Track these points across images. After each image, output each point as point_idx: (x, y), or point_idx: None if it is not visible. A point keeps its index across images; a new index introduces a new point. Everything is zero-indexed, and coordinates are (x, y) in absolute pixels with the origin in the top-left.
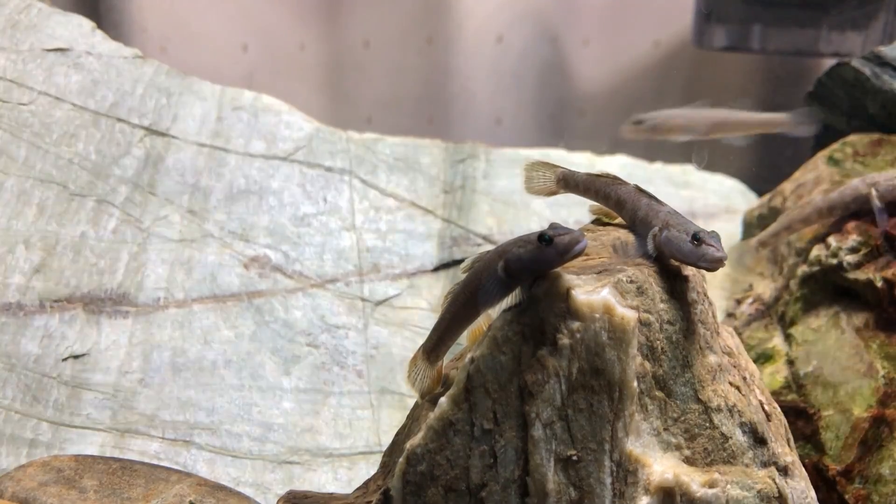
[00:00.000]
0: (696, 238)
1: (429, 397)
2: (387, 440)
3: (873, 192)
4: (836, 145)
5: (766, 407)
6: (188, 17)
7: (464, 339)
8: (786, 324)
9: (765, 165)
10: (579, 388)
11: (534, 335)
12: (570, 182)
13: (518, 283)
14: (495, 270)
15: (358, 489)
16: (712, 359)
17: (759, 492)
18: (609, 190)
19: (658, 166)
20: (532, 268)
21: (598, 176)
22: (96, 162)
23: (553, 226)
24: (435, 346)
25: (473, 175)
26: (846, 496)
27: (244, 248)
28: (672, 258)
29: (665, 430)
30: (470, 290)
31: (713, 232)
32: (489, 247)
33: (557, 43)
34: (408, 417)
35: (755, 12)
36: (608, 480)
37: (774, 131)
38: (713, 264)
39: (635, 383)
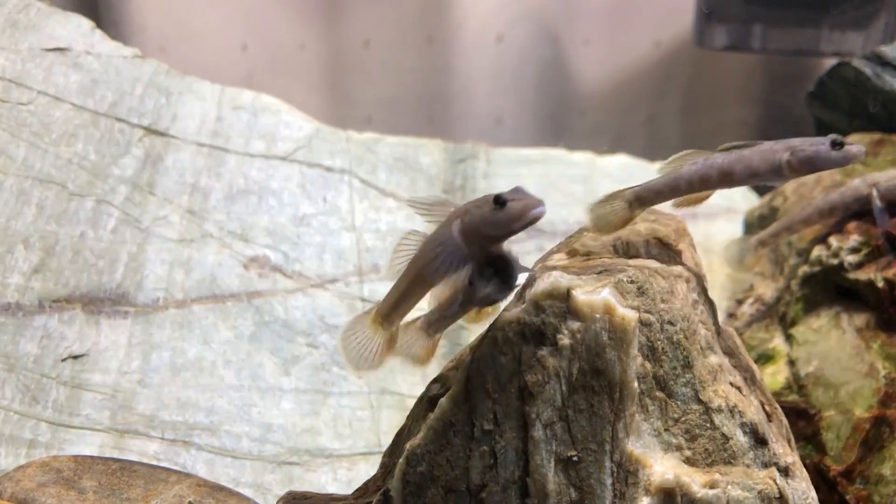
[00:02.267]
0: (835, 143)
1: (429, 398)
2: (387, 441)
3: (874, 193)
4: None
5: (767, 407)
6: (187, 16)
7: (457, 332)
8: (787, 324)
9: None
10: (580, 389)
11: (534, 335)
12: (646, 197)
13: (473, 248)
14: (450, 230)
15: (358, 490)
16: (713, 359)
17: (759, 492)
18: (701, 173)
19: (659, 166)
20: (485, 232)
21: (671, 169)
22: (95, 162)
23: (515, 189)
24: (391, 309)
25: (473, 175)
26: (847, 497)
27: (244, 248)
28: (815, 171)
29: (666, 430)
30: (428, 252)
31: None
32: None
33: (557, 43)
34: (408, 418)
35: (756, 12)
36: (608, 481)
37: None
38: (857, 159)
39: (636, 384)
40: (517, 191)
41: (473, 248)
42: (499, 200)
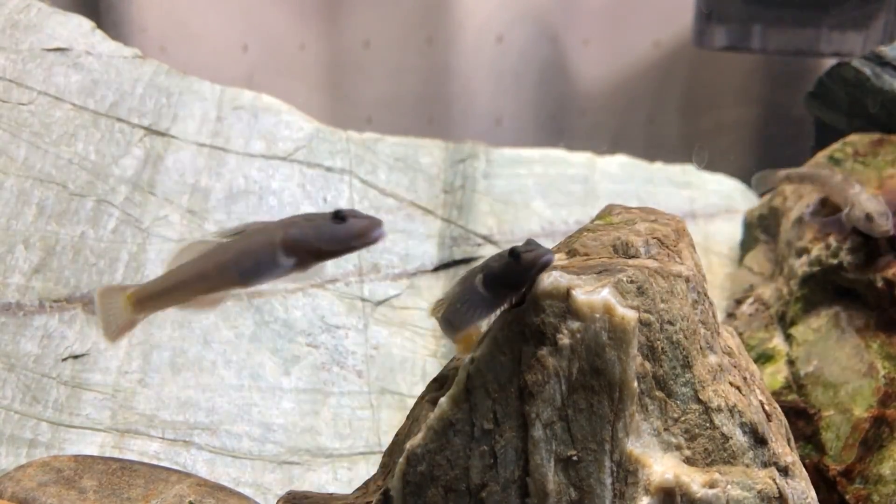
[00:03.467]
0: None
1: (429, 398)
2: (387, 440)
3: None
4: (836, 145)
5: (767, 407)
6: (188, 17)
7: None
8: (786, 324)
9: (765, 165)
10: (579, 389)
11: (534, 335)
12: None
13: (496, 299)
14: (474, 284)
15: (358, 489)
16: (713, 359)
17: (759, 492)
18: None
19: (658, 166)
20: (503, 282)
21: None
22: (96, 162)
23: (528, 242)
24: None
25: (473, 175)
26: (846, 496)
27: None
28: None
29: (665, 430)
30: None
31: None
32: (489, 247)
33: (557, 43)
34: (408, 417)
35: (755, 12)
36: (608, 481)
37: None
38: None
39: (635, 383)
40: (529, 243)
41: (494, 297)
42: (513, 254)
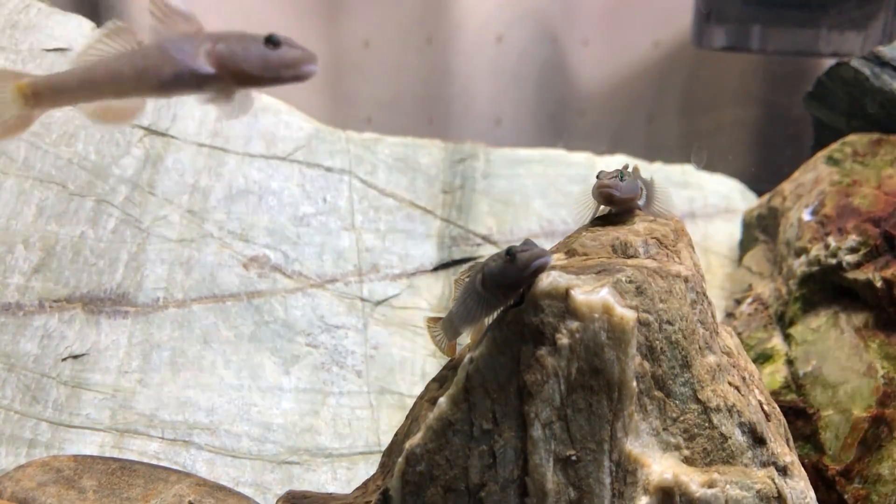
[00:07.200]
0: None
1: (428, 397)
2: (386, 440)
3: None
4: (835, 145)
5: (766, 407)
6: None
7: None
8: (785, 324)
9: (764, 165)
10: (578, 388)
11: (533, 335)
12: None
13: (495, 299)
14: (474, 284)
15: (357, 489)
16: (711, 359)
17: (758, 492)
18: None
19: (658, 166)
20: (501, 282)
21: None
22: (96, 162)
23: (525, 242)
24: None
25: (473, 175)
26: (845, 496)
27: (243, 248)
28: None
29: (664, 430)
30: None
31: None
32: (489, 247)
33: (557, 43)
34: (407, 417)
35: (755, 12)
36: (607, 480)
37: None
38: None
39: (634, 383)
40: (527, 243)
41: (492, 298)
42: (509, 253)
